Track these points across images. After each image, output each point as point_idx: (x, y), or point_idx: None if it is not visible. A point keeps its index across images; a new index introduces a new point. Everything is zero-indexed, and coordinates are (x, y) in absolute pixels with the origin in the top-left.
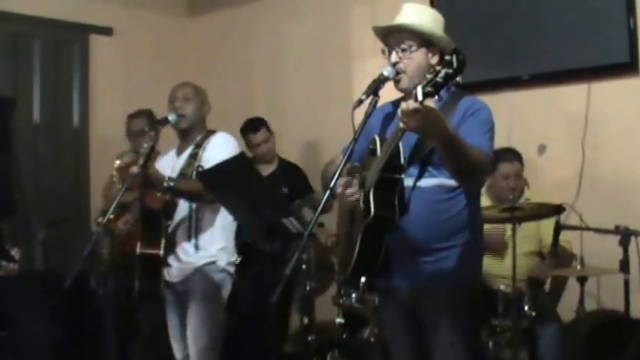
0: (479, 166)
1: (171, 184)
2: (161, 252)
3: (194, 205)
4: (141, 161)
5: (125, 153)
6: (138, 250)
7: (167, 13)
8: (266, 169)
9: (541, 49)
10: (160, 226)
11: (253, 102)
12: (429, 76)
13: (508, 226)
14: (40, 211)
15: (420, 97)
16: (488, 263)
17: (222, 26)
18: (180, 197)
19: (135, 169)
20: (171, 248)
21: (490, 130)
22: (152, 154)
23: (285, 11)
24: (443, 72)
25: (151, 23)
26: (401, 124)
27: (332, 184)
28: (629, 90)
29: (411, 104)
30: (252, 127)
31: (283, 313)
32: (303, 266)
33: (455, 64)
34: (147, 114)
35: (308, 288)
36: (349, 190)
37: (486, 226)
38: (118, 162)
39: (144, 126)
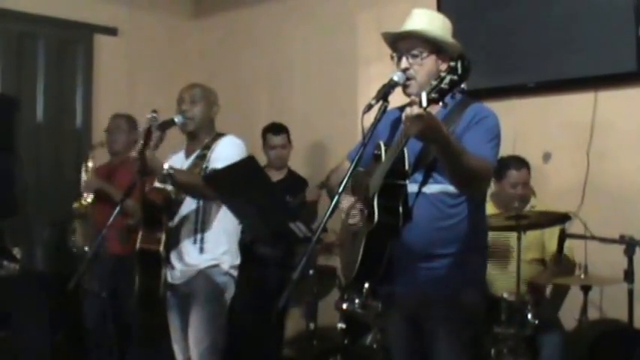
0: (479, 175)
1: (171, 171)
2: (161, 248)
3: (199, 207)
4: (139, 146)
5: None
6: (137, 244)
7: (172, 14)
8: (275, 176)
9: (548, 57)
10: (161, 222)
11: (257, 105)
12: (433, 83)
13: (511, 234)
14: (41, 210)
15: (424, 103)
16: (492, 271)
17: (227, 28)
18: (180, 188)
19: (134, 154)
20: (174, 249)
21: (495, 138)
22: (149, 138)
23: (291, 15)
24: (448, 78)
25: (156, 24)
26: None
27: (340, 189)
28: (635, 99)
29: (414, 110)
30: (274, 129)
31: (280, 318)
32: (311, 271)
33: (460, 71)
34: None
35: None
36: (352, 218)
37: (490, 235)
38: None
39: (122, 125)
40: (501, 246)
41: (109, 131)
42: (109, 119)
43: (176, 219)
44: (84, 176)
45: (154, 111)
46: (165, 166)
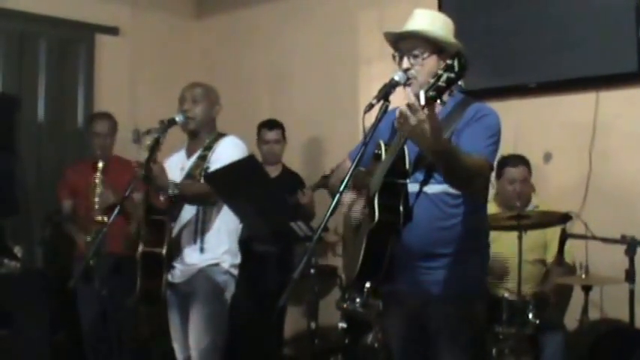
0: (475, 174)
1: (177, 191)
2: (163, 251)
3: (200, 208)
4: (145, 156)
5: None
6: (140, 248)
7: (174, 13)
8: (269, 173)
9: (549, 58)
10: (164, 226)
11: (258, 105)
12: (431, 81)
13: (511, 253)
14: (42, 209)
15: (422, 101)
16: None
17: (228, 28)
18: (185, 202)
19: (138, 166)
20: (175, 250)
21: (493, 136)
22: (156, 149)
23: (293, 15)
24: (445, 76)
25: (158, 24)
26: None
27: (341, 189)
28: (636, 100)
29: (403, 106)
30: (269, 124)
31: (280, 317)
32: (312, 270)
33: (456, 68)
34: (110, 117)
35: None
36: (354, 210)
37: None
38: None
39: (111, 127)
40: (499, 267)
41: (99, 135)
42: (95, 121)
43: (178, 221)
44: (98, 189)
45: (162, 122)
46: (171, 186)
